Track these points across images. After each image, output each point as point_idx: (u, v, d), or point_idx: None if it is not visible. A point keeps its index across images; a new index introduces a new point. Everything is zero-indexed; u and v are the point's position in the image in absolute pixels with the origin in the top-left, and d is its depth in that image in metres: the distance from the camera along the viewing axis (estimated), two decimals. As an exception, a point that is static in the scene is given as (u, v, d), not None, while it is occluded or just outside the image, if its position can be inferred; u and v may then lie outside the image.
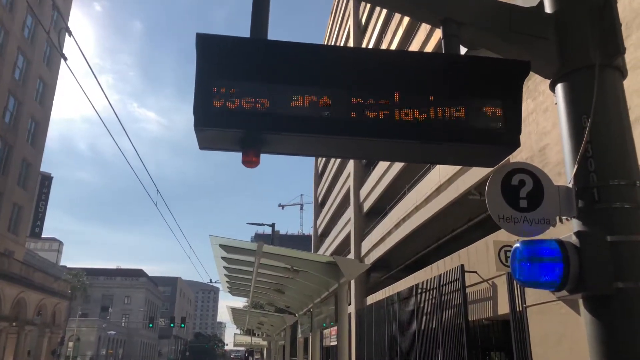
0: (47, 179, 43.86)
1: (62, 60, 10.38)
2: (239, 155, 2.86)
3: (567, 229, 3.06)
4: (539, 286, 2.83)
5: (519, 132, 2.95)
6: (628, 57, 3.27)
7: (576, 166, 2.94)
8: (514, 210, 2.98)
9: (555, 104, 3.31)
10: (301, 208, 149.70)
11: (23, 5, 38.21)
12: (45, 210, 43.30)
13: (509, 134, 2.94)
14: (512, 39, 3.32)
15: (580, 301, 2.89)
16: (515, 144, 2.96)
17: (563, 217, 3.04)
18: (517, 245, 2.86)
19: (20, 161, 40.22)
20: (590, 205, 2.86)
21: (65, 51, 7.96)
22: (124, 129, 10.45)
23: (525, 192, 3.02)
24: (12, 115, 38.90)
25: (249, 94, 2.75)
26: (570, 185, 2.98)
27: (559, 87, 3.20)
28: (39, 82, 43.01)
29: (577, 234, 2.85)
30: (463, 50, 3.43)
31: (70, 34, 7.26)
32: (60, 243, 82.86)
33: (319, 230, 53.45)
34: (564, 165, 3.10)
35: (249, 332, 40.33)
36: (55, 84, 45.92)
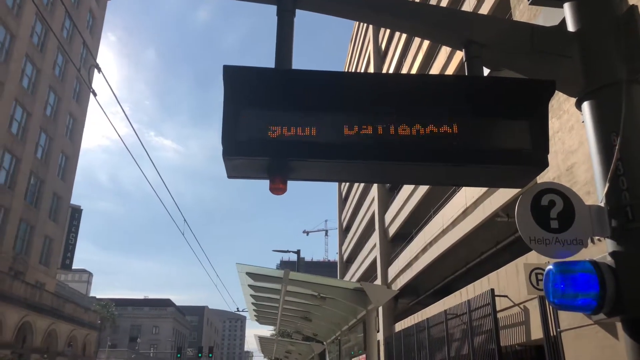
0: (77, 212, 44.77)
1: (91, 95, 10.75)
2: (260, 182, 2.90)
3: (597, 250, 2.98)
4: (575, 309, 2.75)
5: (547, 151, 2.91)
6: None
7: (607, 185, 2.87)
8: (545, 232, 2.91)
9: (582, 122, 3.26)
10: (326, 234, 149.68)
11: (54, 44, 39.66)
12: (75, 242, 44.06)
13: (537, 154, 2.90)
14: (536, 59, 3.30)
15: (619, 324, 2.78)
16: (544, 164, 2.92)
17: (595, 238, 2.96)
18: (550, 267, 2.78)
19: (51, 195, 41.21)
20: (624, 224, 2.79)
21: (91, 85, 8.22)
22: (151, 159, 10.67)
23: (555, 212, 2.95)
24: (44, 150, 40.07)
25: (275, 122, 2.80)
26: (602, 205, 2.91)
27: (586, 105, 3.16)
28: (69, 117, 44.29)
29: (612, 254, 2.77)
30: (486, 72, 3.43)
31: (99, 70, 7.50)
32: (90, 274, 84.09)
33: (345, 256, 53.07)
34: (593, 184, 3.04)
35: (277, 361, 39.86)
36: (84, 119, 47.22)
